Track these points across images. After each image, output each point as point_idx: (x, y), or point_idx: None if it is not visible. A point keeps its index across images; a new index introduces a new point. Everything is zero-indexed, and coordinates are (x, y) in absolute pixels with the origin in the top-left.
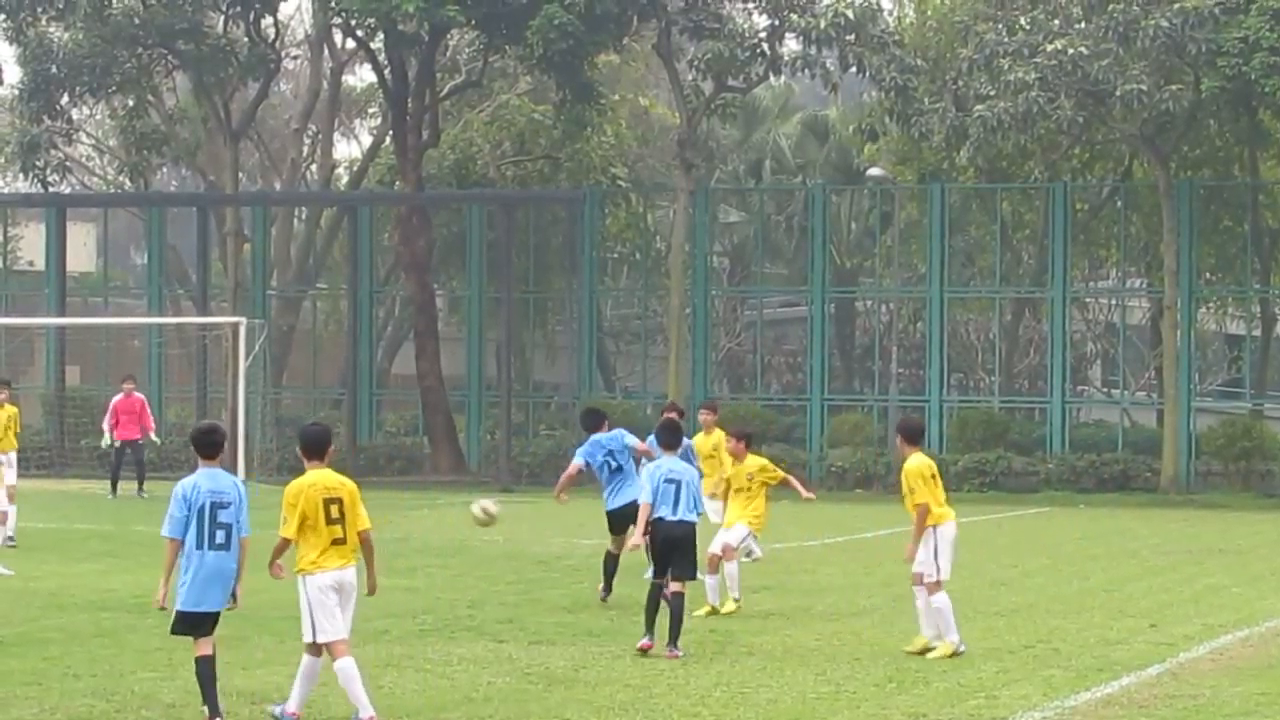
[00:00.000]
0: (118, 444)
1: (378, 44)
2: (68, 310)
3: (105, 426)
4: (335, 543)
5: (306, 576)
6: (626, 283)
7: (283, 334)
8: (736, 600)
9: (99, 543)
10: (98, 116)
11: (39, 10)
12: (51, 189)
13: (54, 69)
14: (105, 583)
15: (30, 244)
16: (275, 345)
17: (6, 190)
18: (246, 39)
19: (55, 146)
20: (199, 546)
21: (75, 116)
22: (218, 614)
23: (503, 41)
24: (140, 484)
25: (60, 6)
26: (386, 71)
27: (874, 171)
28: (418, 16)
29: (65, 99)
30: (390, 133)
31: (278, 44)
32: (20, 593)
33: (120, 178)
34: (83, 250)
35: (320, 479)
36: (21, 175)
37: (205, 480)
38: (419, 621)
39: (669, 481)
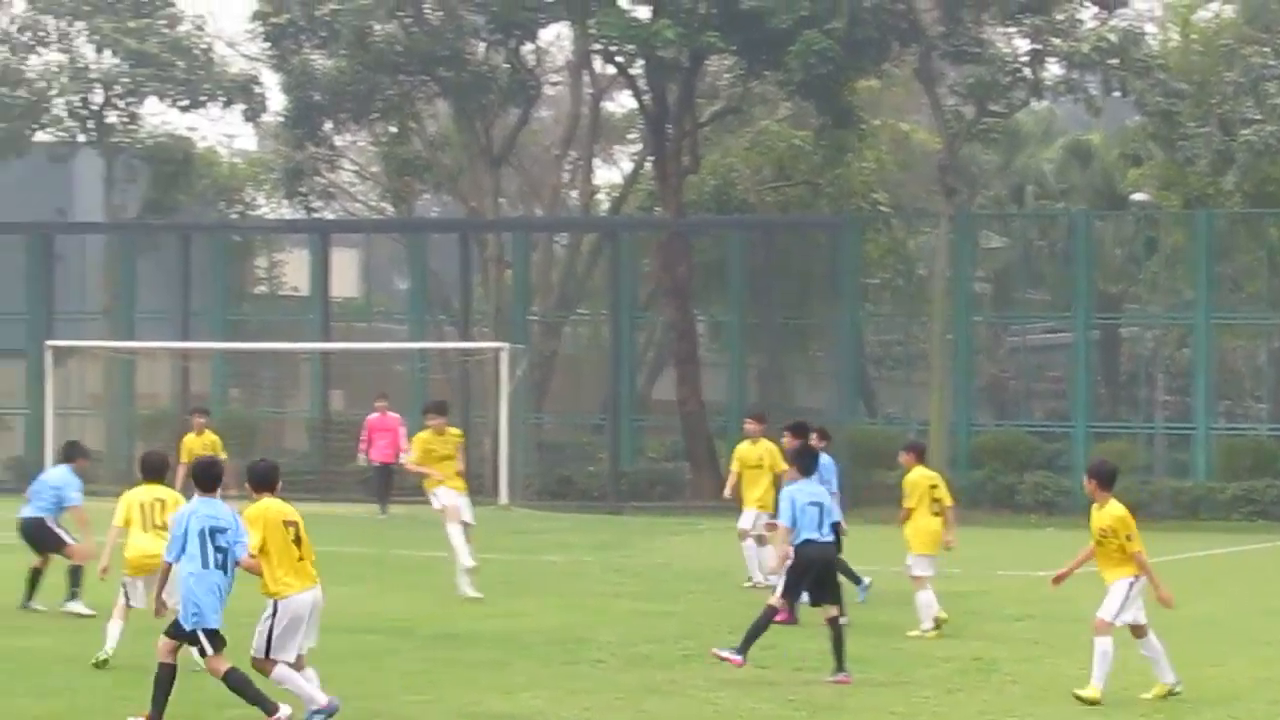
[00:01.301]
0: (374, 464)
1: (637, 70)
2: (332, 335)
3: (361, 445)
4: (300, 562)
5: (280, 600)
6: (888, 308)
7: (544, 359)
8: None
9: (363, 566)
10: (360, 143)
11: (303, 39)
12: (315, 215)
13: (317, 96)
14: (368, 606)
15: (295, 270)
16: (536, 370)
17: (271, 216)
18: (507, 65)
19: (319, 173)
20: (204, 566)
21: (338, 143)
22: (217, 631)
23: (762, 67)
24: (383, 505)
25: (324, 35)
26: (646, 98)
27: (1138, 197)
28: (677, 43)
29: (328, 126)
30: (650, 158)
31: (538, 70)
32: None
33: (383, 204)
34: (346, 275)
35: (273, 504)
36: (286, 201)
37: (202, 507)
38: (681, 647)
39: (812, 504)
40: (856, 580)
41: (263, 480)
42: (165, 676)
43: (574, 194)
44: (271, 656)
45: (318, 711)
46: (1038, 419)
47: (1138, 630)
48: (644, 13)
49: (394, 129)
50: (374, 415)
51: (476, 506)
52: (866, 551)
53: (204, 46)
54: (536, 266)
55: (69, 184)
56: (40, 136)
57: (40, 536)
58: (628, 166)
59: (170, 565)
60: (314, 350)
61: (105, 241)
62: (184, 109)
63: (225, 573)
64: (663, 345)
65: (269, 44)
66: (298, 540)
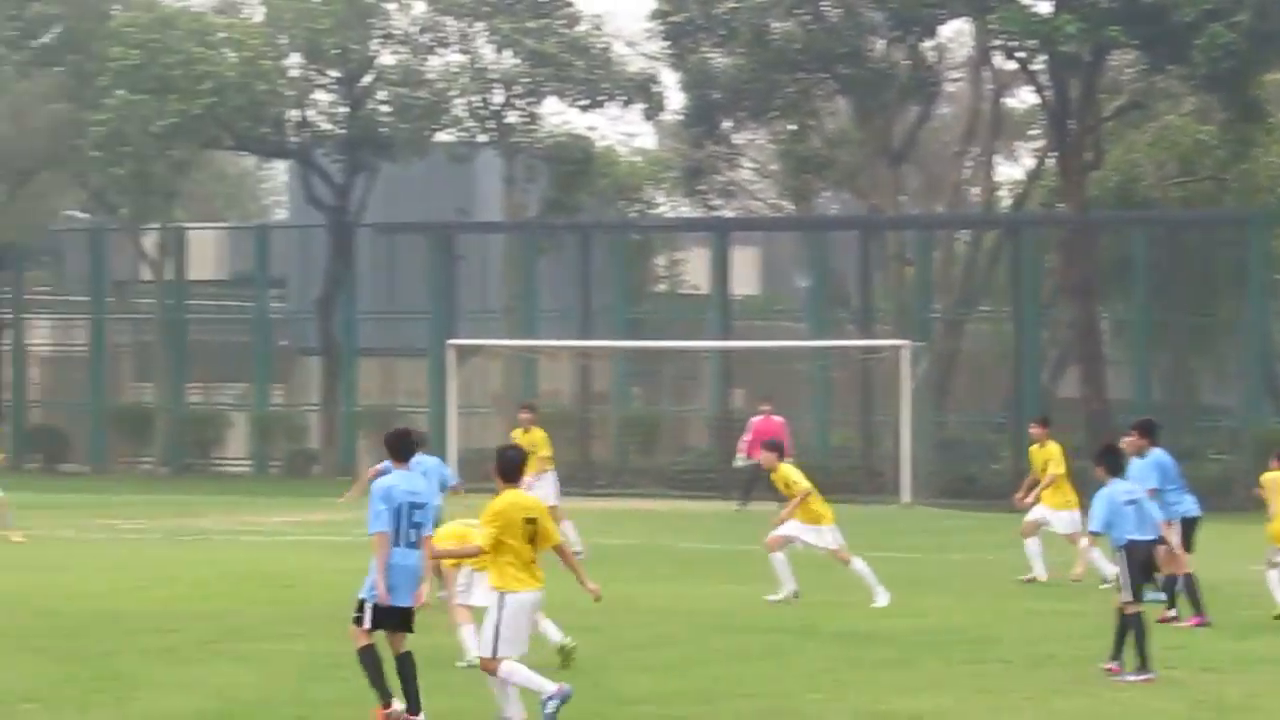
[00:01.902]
0: (751, 462)
1: (1039, 65)
2: (732, 333)
3: (741, 445)
4: (532, 562)
5: (507, 594)
6: None
7: (945, 357)
8: None
9: (765, 564)
10: (759, 141)
11: (701, 37)
12: (715, 213)
13: (716, 94)
14: (771, 604)
15: (695, 267)
16: (938, 368)
17: (671, 214)
18: (907, 62)
19: (718, 171)
20: (395, 544)
21: (737, 141)
22: (411, 611)
23: (1166, 61)
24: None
25: (722, 33)
26: (1048, 93)
27: None
28: (1079, 38)
29: (727, 124)
30: (1053, 154)
31: (938, 67)
32: (688, 613)
33: (782, 201)
34: (746, 273)
35: (518, 499)
36: (685, 199)
37: (402, 481)
38: (1087, 646)
39: (1129, 503)
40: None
41: (510, 470)
42: (376, 662)
43: (975, 190)
44: (498, 655)
45: (551, 698)
46: None
47: None
48: (1045, 7)
49: (793, 126)
50: (758, 417)
51: (878, 506)
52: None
53: (602, 46)
54: (938, 263)
55: (470, 184)
56: (441, 137)
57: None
58: (1029, 163)
59: (387, 539)
60: (713, 348)
61: (506, 241)
62: (583, 108)
63: (418, 549)
64: (1066, 343)
65: (667, 42)
66: (533, 539)
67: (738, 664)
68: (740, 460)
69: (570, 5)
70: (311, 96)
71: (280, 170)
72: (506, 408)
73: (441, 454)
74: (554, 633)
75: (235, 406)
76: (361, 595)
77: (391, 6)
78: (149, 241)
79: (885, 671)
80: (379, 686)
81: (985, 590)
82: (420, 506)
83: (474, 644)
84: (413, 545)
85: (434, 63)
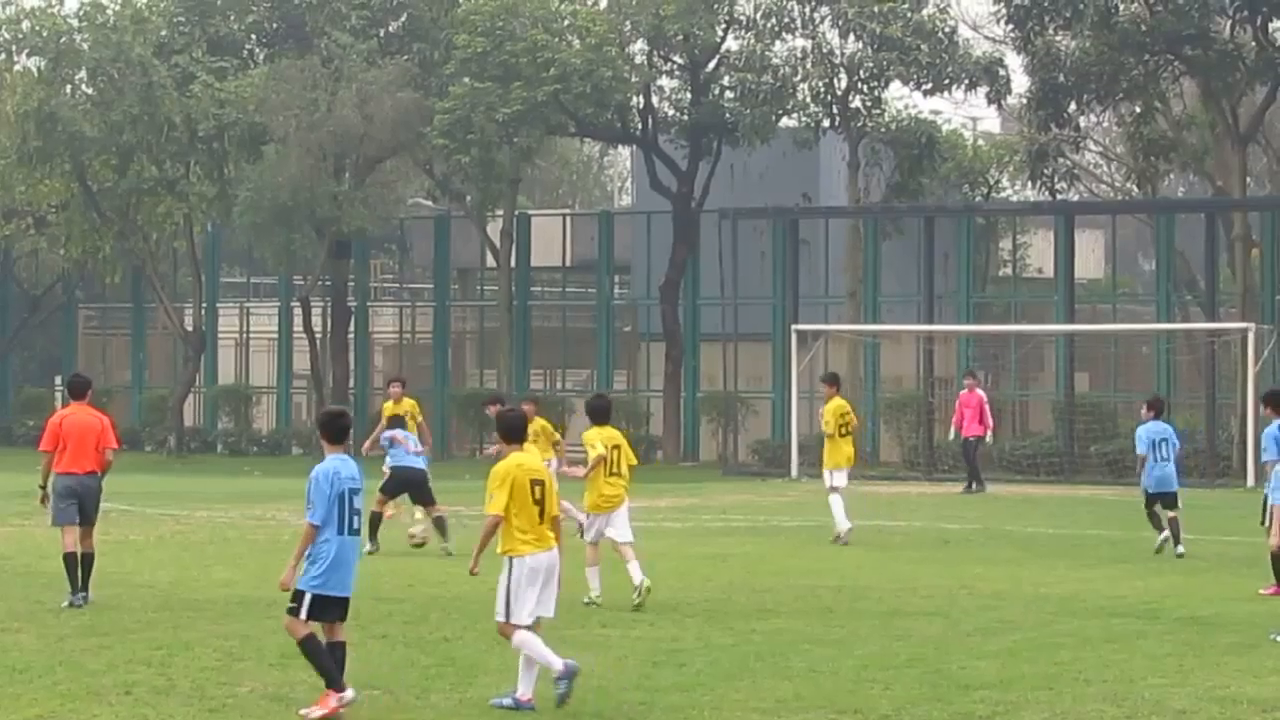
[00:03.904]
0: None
1: None
2: (1076, 317)
3: (955, 421)
4: (539, 524)
5: (514, 558)
6: None
7: None
8: None
9: (1109, 548)
10: (1105, 124)
11: (1046, 19)
12: (1059, 197)
13: (1061, 77)
14: (1116, 588)
15: (1039, 251)
16: None
17: (1015, 199)
18: (1254, 43)
19: (1063, 154)
20: (339, 532)
21: (1083, 124)
22: (348, 600)
23: None
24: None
25: (1068, 15)
26: None
27: None
28: None
29: (1073, 107)
30: None
31: None
32: (1030, 598)
33: (1128, 184)
34: (1091, 257)
35: (525, 460)
36: (1030, 183)
37: (341, 466)
38: None
39: None
40: None
41: (514, 432)
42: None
43: None
44: (511, 620)
45: (561, 678)
46: None
47: None
48: None
49: (1139, 109)
50: (964, 391)
51: (1222, 490)
52: None
53: (948, 29)
54: None
55: (813, 168)
56: (785, 122)
57: None
58: None
59: (315, 530)
60: (1057, 332)
61: (849, 225)
62: (927, 92)
63: (358, 537)
64: None
65: (1012, 25)
66: (540, 501)
67: (1079, 649)
68: (954, 434)
69: None
70: (656, 83)
71: (624, 156)
72: (851, 392)
73: (784, 438)
74: (636, 574)
75: (577, 392)
76: (299, 585)
77: None
78: (493, 229)
79: (1229, 656)
80: (329, 672)
81: None
82: (358, 491)
83: (597, 584)
84: (354, 533)
85: (778, 48)
